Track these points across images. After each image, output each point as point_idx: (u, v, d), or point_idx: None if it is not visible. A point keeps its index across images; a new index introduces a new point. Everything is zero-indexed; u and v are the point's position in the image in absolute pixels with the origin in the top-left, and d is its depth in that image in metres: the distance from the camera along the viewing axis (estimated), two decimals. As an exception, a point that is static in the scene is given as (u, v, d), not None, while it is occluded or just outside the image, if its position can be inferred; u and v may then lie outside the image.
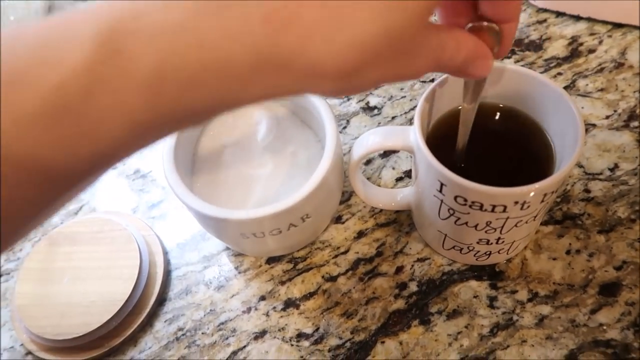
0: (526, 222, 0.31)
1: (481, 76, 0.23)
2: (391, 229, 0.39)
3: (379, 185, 0.41)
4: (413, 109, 0.45)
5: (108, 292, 0.36)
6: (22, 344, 0.37)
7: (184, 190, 0.33)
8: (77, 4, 0.56)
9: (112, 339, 0.36)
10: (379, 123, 0.45)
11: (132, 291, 0.36)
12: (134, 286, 0.36)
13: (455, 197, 0.29)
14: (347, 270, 0.38)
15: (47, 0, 0.51)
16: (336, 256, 0.39)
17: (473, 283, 0.36)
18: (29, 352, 0.37)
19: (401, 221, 0.40)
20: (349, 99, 0.47)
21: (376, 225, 0.40)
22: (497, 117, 0.34)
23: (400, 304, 0.36)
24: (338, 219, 0.40)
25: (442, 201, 0.31)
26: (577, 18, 0.48)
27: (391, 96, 0.46)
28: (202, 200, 0.32)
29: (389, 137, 0.33)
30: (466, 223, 0.31)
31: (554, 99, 0.31)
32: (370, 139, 0.33)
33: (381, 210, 0.40)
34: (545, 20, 0.49)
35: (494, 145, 0.34)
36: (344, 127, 0.45)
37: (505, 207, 0.29)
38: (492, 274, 0.37)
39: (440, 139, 0.33)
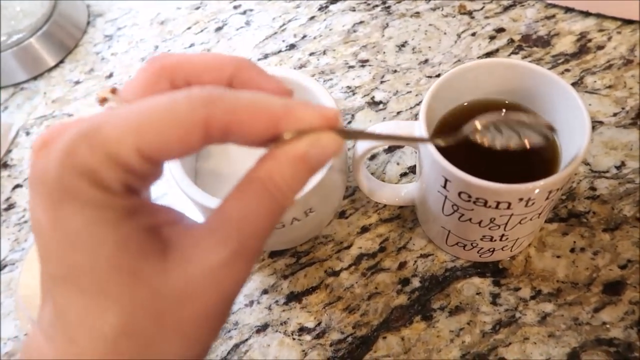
0: (530, 220, 0.31)
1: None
2: (395, 224, 0.39)
3: (383, 181, 0.41)
4: (419, 104, 0.45)
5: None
6: (26, 334, 0.38)
7: (187, 183, 0.33)
8: (83, -4, 0.56)
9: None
10: (384, 118, 0.45)
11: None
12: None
13: (460, 193, 0.29)
14: (349, 265, 0.38)
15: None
16: (339, 251, 0.39)
17: (476, 280, 0.36)
18: (33, 342, 0.37)
19: (405, 217, 0.39)
20: (354, 94, 0.46)
21: (380, 220, 0.40)
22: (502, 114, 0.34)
23: (402, 299, 0.36)
24: (342, 214, 0.40)
25: (446, 197, 0.31)
26: (586, 14, 0.48)
27: (397, 91, 0.46)
28: (206, 193, 0.32)
29: (394, 132, 0.32)
30: (470, 219, 0.31)
31: (561, 95, 0.31)
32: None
33: (385, 206, 0.40)
34: (553, 16, 0.48)
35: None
36: (349, 122, 0.45)
37: (509, 204, 0.28)
38: (495, 271, 0.37)
39: (446, 135, 0.32)
